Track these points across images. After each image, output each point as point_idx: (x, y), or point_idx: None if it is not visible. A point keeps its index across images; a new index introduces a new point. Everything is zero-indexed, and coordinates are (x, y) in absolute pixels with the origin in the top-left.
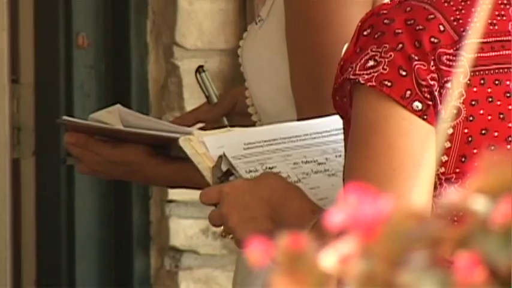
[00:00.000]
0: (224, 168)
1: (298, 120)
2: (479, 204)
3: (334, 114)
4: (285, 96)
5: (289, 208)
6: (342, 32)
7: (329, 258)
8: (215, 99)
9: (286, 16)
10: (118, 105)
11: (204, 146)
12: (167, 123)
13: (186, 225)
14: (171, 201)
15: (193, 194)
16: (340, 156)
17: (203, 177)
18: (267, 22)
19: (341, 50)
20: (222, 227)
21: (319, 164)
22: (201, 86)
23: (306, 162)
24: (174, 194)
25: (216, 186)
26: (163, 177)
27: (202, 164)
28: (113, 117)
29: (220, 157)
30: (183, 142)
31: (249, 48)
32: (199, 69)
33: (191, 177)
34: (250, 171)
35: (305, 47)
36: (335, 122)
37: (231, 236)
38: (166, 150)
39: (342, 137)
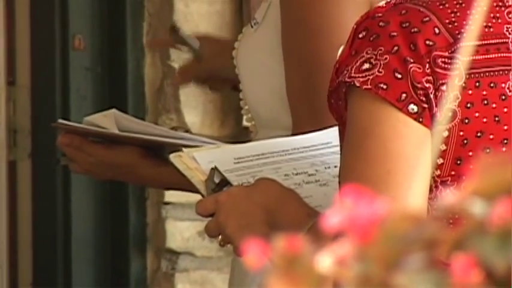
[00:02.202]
0: (217, 180)
1: (293, 126)
2: (475, 206)
3: (329, 122)
4: (279, 101)
5: (285, 212)
6: (338, 39)
7: (325, 261)
8: (197, 46)
9: (282, 23)
10: (114, 110)
11: (195, 161)
12: (161, 128)
13: (183, 227)
14: (167, 203)
15: (190, 196)
16: (329, 168)
17: (197, 191)
18: (262, 26)
19: (336, 58)
20: (220, 236)
21: (309, 175)
22: (182, 42)
23: (297, 174)
24: (170, 196)
25: (212, 196)
26: (157, 179)
27: (195, 178)
28: (109, 121)
29: (212, 170)
30: (173, 158)
31: (244, 52)
32: (174, 29)
33: (185, 180)
34: (243, 183)
35: (301, 54)
36: (322, 136)
37: (229, 244)
38: (160, 152)
39: (329, 150)
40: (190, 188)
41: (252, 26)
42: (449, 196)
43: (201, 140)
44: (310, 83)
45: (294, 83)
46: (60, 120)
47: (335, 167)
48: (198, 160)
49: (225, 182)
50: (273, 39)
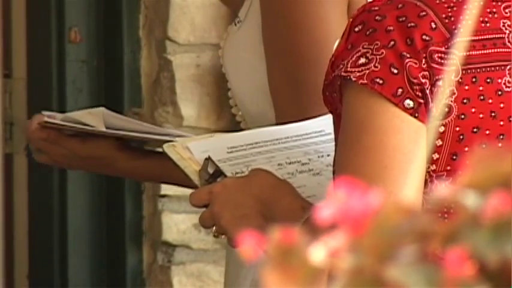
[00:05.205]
0: (211, 170)
1: (277, 122)
2: (469, 198)
3: (313, 116)
4: (266, 98)
5: (279, 204)
6: (319, 34)
7: (319, 252)
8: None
9: (263, 19)
10: (103, 108)
11: (188, 151)
12: (150, 125)
13: (179, 220)
14: (163, 196)
15: (186, 189)
16: (322, 156)
17: (191, 181)
18: (245, 24)
19: (318, 52)
20: (214, 227)
21: (302, 164)
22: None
23: (290, 163)
24: (166, 188)
25: (206, 187)
26: (136, 172)
27: (189, 168)
28: (95, 118)
29: (206, 160)
30: (167, 148)
31: (229, 50)
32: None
33: (167, 173)
34: (237, 173)
35: (282, 49)
36: (315, 124)
37: (223, 236)
38: (140, 144)
39: (322, 138)
40: (173, 181)
41: (235, 25)
42: (442, 189)
43: (188, 136)
44: (292, 78)
45: (276, 78)
46: (47, 119)
47: (328, 155)
48: (192, 150)
49: (218, 173)
50: (256, 37)
